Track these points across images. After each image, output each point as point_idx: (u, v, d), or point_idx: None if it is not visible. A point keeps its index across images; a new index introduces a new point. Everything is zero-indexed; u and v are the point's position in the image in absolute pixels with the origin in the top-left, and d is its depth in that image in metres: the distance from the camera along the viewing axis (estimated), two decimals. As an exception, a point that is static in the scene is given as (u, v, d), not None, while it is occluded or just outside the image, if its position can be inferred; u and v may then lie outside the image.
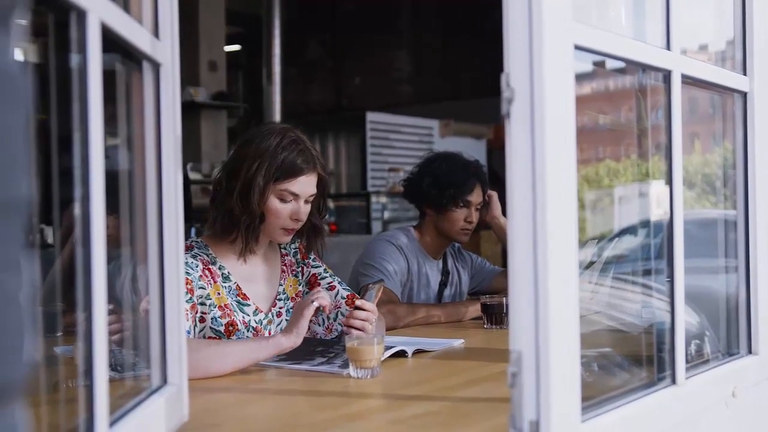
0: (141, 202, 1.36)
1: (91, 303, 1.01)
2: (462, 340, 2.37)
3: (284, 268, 2.38)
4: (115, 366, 1.31)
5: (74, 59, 1.01)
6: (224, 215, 2.19)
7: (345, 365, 1.91)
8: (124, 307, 1.52)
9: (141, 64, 1.32)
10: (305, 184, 2.20)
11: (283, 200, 2.18)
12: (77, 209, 1.01)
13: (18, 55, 0.58)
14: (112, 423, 1.10)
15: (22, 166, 0.57)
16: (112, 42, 1.11)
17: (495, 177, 5.02)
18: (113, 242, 1.19)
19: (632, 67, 1.60)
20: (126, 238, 1.39)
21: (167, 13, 1.37)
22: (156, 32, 1.35)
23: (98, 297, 1.02)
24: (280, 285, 2.35)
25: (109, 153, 1.12)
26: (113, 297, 1.14)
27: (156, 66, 1.34)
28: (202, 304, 2.13)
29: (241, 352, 1.93)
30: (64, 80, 1.04)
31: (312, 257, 2.43)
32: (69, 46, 1.02)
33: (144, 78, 1.33)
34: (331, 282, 2.40)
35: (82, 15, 0.99)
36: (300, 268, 2.41)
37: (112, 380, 1.08)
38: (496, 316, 2.65)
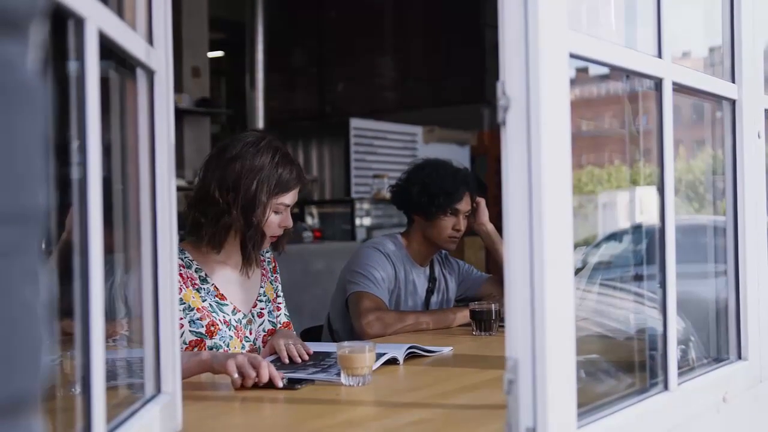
0: (134, 209, 1.36)
1: (88, 312, 1.00)
2: (451, 348, 2.37)
3: (264, 272, 2.45)
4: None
5: (71, 66, 1.01)
6: (222, 230, 2.24)
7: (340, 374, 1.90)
8: (114, 312, 1.52)
9: (135, 72, 1.32)
10: (295, 195, 2.32)
11: (276, 212, 2.28)
12: (75, 217, 1.00)
13: (35, 65, 0.58)
14: (108, 433, 1.09)
15: (39, 177, 0.57)
16: (106, 49, 1.11)
17: (479, 183, 5.02)
18: (106, 250, 1.19)
19: (616, 73, 1.61)
20: (118, 246, 1.38)
21: (161, 21, 1.37)
22: (150, 40, 1.34)
23: (95, 306, 1.01)
24: (261, 287, 2.41)
25: (103, 160, 1.12)
26: (105, 305, 1.14)
27: (150, 73, 1.34)
28: None
29: None
30: (60, 87, 1.03)
31: (278, 272, 2.54)
32: (66, 53, 1.01)
33: (138, 85, 1.33)
34: (281, 303, 2.51)
35: (80, 22, 0.98)
36: (273, 278, 2.50)
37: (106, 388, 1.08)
38: (484, 322, 2.65)
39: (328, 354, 2.19)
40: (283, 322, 2.46)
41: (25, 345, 0.54)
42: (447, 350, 2.35)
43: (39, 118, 0.57)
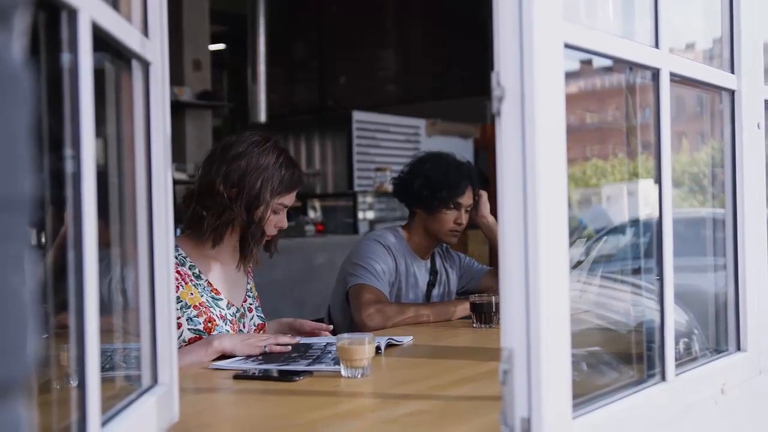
0: (130, 202, 1.36)
1: (82, 304, 1.01)
2: (411, 337, 2.38)
3: (249, 270, 2.48)
4: (103, 365, 1.31)
5: (65, 58, 1.01)
6: (224, 225, 2.27)
7: (338, 362, 1.90)
8: (112, 307, 1.52)
9: (130, 63, 1.31)
10: (293, 197, 2.36)
11: (275, 212, 2.31)
12: (69, 211, 1.00)
13: (20, 53, 0.58)
14: (104, 423, 1.09)
15: (25, 164, 0.57)
16: (101, 41, 1.10)
17: (482, 176, 5.04)
18: (101, 243, 1.19)
19: (619, 65, 1.60)
20: (115, 239, 1.38)
21: (156, 12, 1.36)
22: (145, 31, 1.34)
23: (89, 297, 1.01)
24: (248, 283, 2.46)
25: (99, 153, 1.12)
26: (102, 298, 1.14)
27: (146, 65, 1.34)
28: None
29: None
30: (53, 79, 1.03)
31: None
32: (59, 45, 1.01)
33: (133, 77, 1.33)
34: (252, 304, 2.52)
35: (73, 13, 0.98)
36: (252, 275, 2.53)
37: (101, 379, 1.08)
38: (485, 315, 2.65)
39: (309, 345, 2.20)
40: (258, 324, 2.46)
41: (11, 331, 0.55)
42: (408, 339, 2.37)
43: (24, 107, 0.57)
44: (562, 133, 1.22)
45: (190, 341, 2.19)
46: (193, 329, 2.20)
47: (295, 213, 6.80)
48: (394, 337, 2.31)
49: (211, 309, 2.25)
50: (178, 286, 2.20)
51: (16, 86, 0.56)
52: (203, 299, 2.25)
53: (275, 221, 2.32)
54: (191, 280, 2.26)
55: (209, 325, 2.23)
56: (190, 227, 2.32)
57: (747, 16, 1.81)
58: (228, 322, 2.28)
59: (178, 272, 2.23)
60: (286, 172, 2.30)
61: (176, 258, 2.26)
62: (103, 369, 1.14)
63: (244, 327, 2.36)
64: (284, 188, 2.30)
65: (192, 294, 2.24)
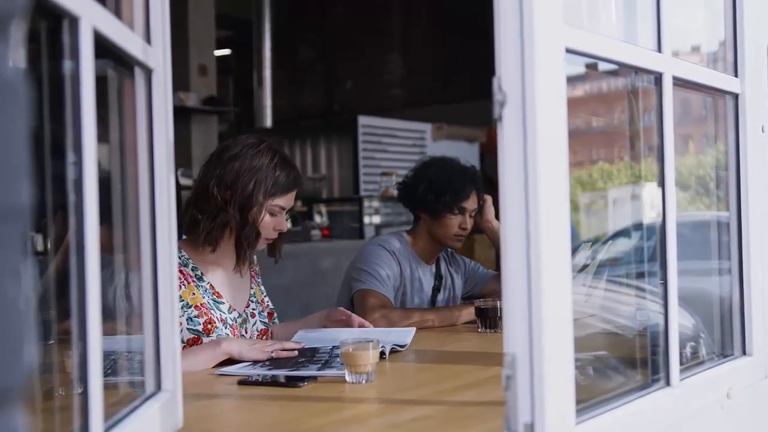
0: (133, 208, 1.36)
1: (85, 311, 1.01)
2: (413, 330, 2.40)
3: (253, 274, 2.48)
4: (106, 371, 1.31)
5: (66, 65, 1.01)
6: (219, 227, 2.26)
7: (343, 366, 1.90)
8: (117, 314, 1.52)
9: (133, 70, 1.32)
10: (292, 199, 2.35)
11: (272, 214, 2.31)
12: (71, 217, 1.00)
13: (17, 62, 0.58)
14: (107, 430, 1.09)
15: (22, 173, 0.57)
16: (103, 48, 1.11)
17: (487, 180, 5.03)
18: (105, 250, 1.19)
19: (624, 69, 1.60)
20: (119, 246, 1.38)
21: (159, 19, 1.37)
22: (148, 38, 1.34)
23: (92, 304, 1.01)
24: (251, 288, 2.45)
25: (101, 159, 1.12)
26: (106, 304, 1.14)
27: (148, 72, 1.34)
28: None
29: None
30: (55, 86, 1.04)
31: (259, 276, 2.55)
32: (61, 52, 1.01)
33: (136, 84, 1.33)
34: (268, 305, 2.53)
35: (74, 21, 0.99)
36: (259, 280, 2.52)
37: (105, 386, 1.08)
38: (489, 319, 2.64)
39: (316, 350, 2.20)
40: (261, 330, 2.45)
41: (8, 339, 0.55)
42: (410, 332, 2.39)
43: (21, 116, 0.57)
44: (564, 137, 1.21)
45: (189, 342, 2.19)
46: (193, 329, 2.21)
47: (302, 218, 6.81)
48: (397, 343, 2.30)
49: (212, 311, 2.26)
50: (180, 285, 2.21)
51: (13, 95, 0.56)
52: (204, 300, 2.26)
53: (274, 224, 2.31)
54: (193, 281, 2.26)
55: (209, 326, 2.23)
56: (189, 232, 2.32)
57: (750, 19, 1.81)
58: (228, 326, 2.28)
59: (180, 272, 2.23)
60: (280, 173, 2.29)
61: (179, 259, 2.26)
62: (105, 374, 1.14)
63: (246, 332, 2.35)
64: (279, 189, 2.29)
65: (194, 294, 2.25)
